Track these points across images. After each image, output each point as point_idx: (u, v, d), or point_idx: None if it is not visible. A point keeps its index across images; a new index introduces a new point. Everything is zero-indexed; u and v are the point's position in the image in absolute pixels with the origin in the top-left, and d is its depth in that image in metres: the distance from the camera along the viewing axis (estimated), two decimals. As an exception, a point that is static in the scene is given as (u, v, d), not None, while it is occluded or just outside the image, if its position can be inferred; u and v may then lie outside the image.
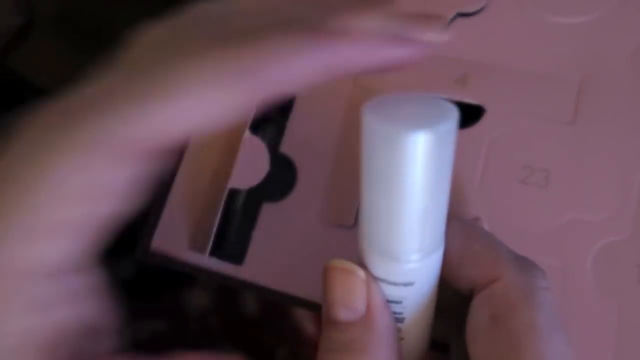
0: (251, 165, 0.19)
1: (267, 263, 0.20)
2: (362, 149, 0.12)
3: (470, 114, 0.19)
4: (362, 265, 0.14)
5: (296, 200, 0.20)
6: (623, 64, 0.18)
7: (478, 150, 0.19)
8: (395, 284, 0.13)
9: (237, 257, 0.20)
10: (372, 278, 0.13)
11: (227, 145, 0.21)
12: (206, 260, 0.20)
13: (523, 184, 0.18)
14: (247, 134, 0.19)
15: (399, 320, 0.14)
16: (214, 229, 0.19)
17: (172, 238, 0.20)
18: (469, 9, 0.20)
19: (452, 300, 0.15)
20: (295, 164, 0.20)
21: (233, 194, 0.20)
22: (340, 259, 0.14)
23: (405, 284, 0.13)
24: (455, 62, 0.20)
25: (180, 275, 0.21)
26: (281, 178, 0.20)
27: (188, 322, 0.45)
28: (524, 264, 0.14)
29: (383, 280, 0.13)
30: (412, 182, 0.11)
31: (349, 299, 0.13)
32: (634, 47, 0.19)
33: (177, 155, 0.21)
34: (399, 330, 0.14)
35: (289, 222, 0.20)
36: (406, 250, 0.13)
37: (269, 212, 0.20)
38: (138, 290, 0.50)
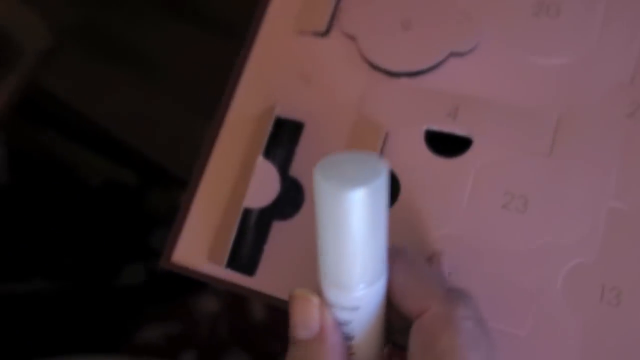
0: (263, 187, 0.22)
1: (276, 275, 0.22)
2: (315, 200, 0.15)
3: (459, 145, 0.22)
4: (320, 292, 0.17)
5: (303, 219, 0.22)
6: (596, 103, 0.21)
7: (466, 178, 0.21)
8: (344, 308, 0.16)
9: (250, 269, 0.22)
10: (325, 303, 0.17)
11: (242, 168, 0.23)
12: (222, 272, 0.22)
13: (504, 209, 0.20)
14: (261, 158, 0.22)
15: (349, 338, 0.17)
16: (231, 244, 0.21)
17: (192, 251, 0.23)
18: (461, 49, 0.23)
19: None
20: (303, 186, 0.23)
21: (247, 212, 0.22)
22: (301, 289, 0.17)
23: (352, 309, 0.16)
24: (447, 96, 0.22)
25: (191, 282, 0.24)
26: (290, 198, 0.23)
27: (199, 326, 0.47)
28: (451, 296, 0.16)
29: (334, 306, 0.17)
30: (353, 227, 0.14)
31: (306, 321, 0.17)
32: (606, 89, 0.21)
33: (198, 175, 0.24)
34: (350, 347, 0.17)
35: (296, 238, 0.22)
36: (351, 281, 0.16)
37: (278, 229, 0.22)
38: (150, 295, 0.53)
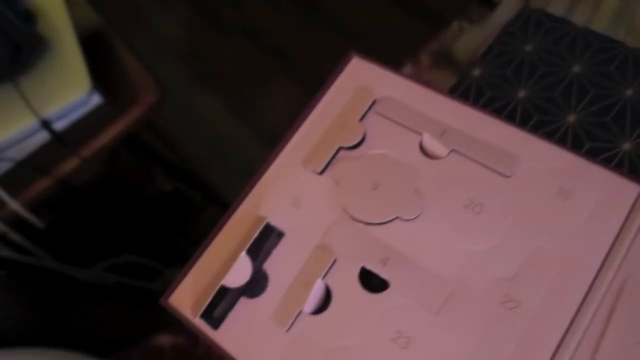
0: (239, 274, 0.31)
1: (231, 334, 0.31)
2: None
3: (380, 285, 0.30)
4: None
5: (262, 302, 0.31)
6: (482, 287, 0.28)
7: (375, 310, 0.29)
8: None
9: (216, 325, 0.31)
10: None
11: (232, 254, 0.32)
12: (197, 320, 0.31)
13: (392, 342, 0.28)
14: (243, 254, 0.31)
15: None
16: (207, 304, 0.31)
17: (182, 300, 0.32)
18: (406, 216, 0.31)
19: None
20: (269, 278, 0.32)
21: (223, 287, 0.31)
22: None
23: None
24: (385, 247, 0.31)
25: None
26: (258, 284, 0.32)
27: (198, 345, 0.57)
28: None
29: None
30: None
31: None
32: (492, 278, 0.28)
33: (203, 249, 0.33)
34: None
35: (254, 314, 0.31)
36: None
37: (243, 303, 0.31)
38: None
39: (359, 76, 0.37)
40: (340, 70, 0.37)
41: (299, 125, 0.36)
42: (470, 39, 0.56)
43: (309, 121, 0.36)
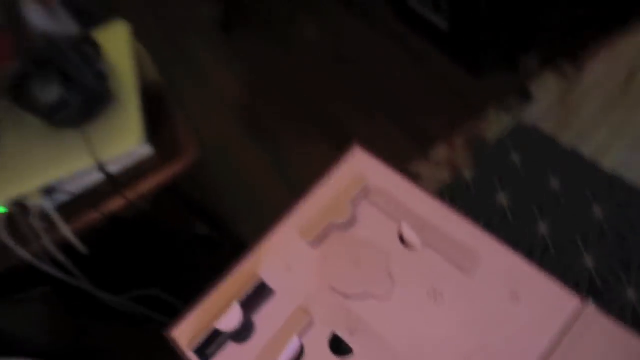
0: (230, 321, 0.37)
1: (216, 372, 0.36)
2: None
3: (348, 350, 0.35)
4: None
5: (247, 348, 0.37)
6: (438, 344, 0.33)
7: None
8: None
9: (206, 360, 0.37)
10: None
11: (228, 300, 0.38)
12: (190, 354, 0.37)
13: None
14: (235, 303, 0.37)
15: None
16: (200, 342, 0.37)
17: (185, 334, 0.38)
18: (375, 293, 0.36)
19: None
20: (256, 327, 0.37)
21: (216, 330, 0.37)
22: None
23: None
24: (355, 319, 0.36)
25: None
26: (244, 332, 0.37)
27: None
28: None
29: None
30: None
31: None
32: (441, 337, 0.33)
33: (206, 294, 0.39)
34: None
35: (237, 357, 0.36)
36: None
37: (230, 346, 0.37)
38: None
39: (359, 165, 0.43)
40: (343, 158, 0.43)
41: (303, 201, 0.42)
42: (503, 127, 0.61)
43: (312, 198, 0.42)
